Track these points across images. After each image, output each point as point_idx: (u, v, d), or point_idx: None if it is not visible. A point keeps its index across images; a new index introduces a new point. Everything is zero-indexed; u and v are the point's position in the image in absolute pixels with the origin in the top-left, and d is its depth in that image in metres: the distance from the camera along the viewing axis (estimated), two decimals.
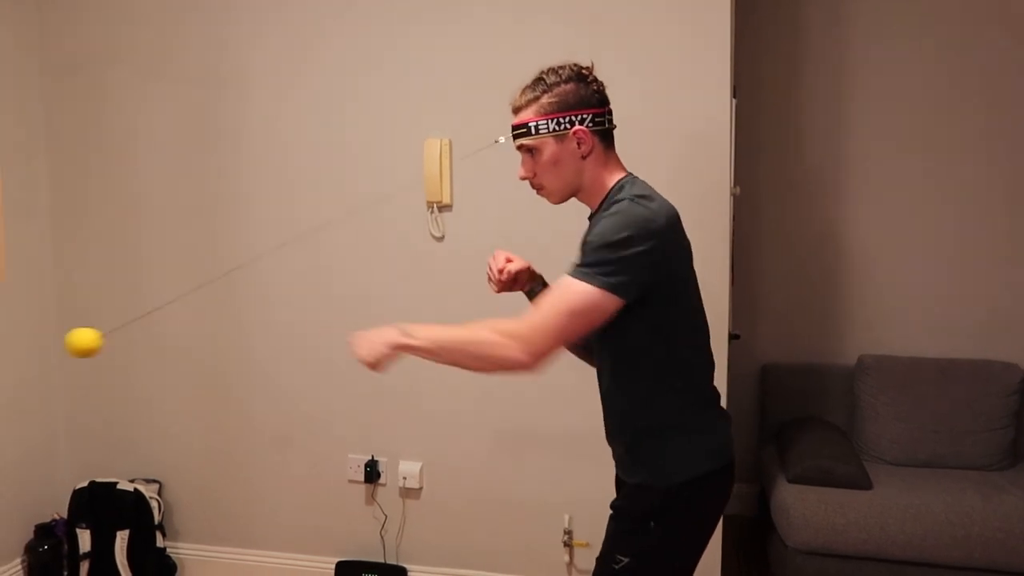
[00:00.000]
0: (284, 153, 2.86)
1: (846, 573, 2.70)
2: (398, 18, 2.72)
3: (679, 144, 2.53)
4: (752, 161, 3.46)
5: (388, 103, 2.76)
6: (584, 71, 1.65)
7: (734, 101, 2.60)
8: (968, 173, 3.27)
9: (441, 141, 2.68)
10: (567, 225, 2.54)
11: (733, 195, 2.65)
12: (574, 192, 1.70)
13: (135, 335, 3.05)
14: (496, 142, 1.76)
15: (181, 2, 2.90)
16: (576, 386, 2.71)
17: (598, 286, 1.51)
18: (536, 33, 2.61)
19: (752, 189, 3.45)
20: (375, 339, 1.65)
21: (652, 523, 1.65)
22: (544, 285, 1.88)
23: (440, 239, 2.76)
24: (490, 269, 1.88)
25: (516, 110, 1.68)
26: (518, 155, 2.62)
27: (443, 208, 2.74)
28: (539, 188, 1.72)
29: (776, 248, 3.51)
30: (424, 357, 1.64)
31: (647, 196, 1.59)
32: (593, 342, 1.74)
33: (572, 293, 1.53)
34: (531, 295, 1.89)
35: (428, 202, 2.74)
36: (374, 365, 1.68)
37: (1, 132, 2.87)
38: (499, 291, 1.90)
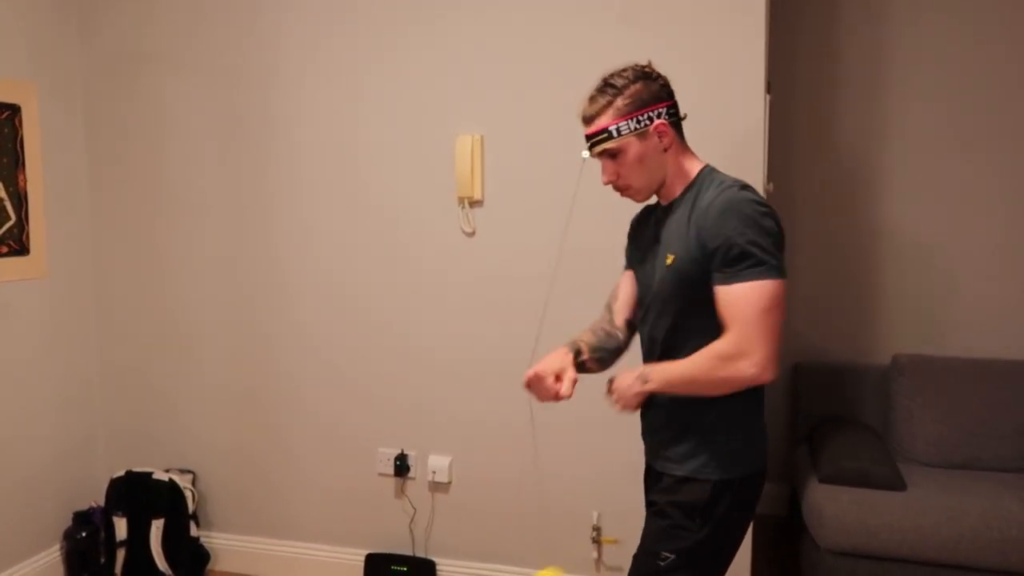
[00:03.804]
0: (317, 149, 2.89)
1: (878, 575, 2.66)
2: (430, 15, 2.73)
3: (713, 142, 2.49)
4: (786, 158, 3.42)
5: (420, 99, 2.77)
6: (647, 69, 1.68)
7: (768, 97, 2.57)
8: (1009, 168, 3.20)
9: (473, 137, 2.69)
10: (597, 220, 2.55)
11: (767, 192, 2.62)
12: (660, 186, 1.73)
13: (169, 330, 3.10)
14: (583, 159, 1.77)
15: (218, 1, 2.94)
16: (606, 383, 2.70)
17: (781, 277, 1.55)
18: (566, 31, 2.61)
19: (786, 186, 3.41)
20: (623, 391, 1.71)
21: (699, 519, 1.65)
22: (580, 352, 1.82)
23: (471, 235, 2.76)
24: (547, 392, 1.77)
25: (589, 119, 1.69)
26: (550, 151, 2.62)
27: (474, 204, 2.75)
28: (624, 189, 1.73)
29: (809, 246, 3.47)
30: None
31: (739, 182, 1.64)
32: (657, 332, 1.73)
33: (762, 293, 1.53)
34: (580, 367, 1.81)
35: (459, 198, 2.74)
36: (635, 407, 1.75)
37: (43, 130, 2.93)
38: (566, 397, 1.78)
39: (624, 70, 1.68)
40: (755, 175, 2.49)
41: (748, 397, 1.66)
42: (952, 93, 3.24)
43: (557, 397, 1.75)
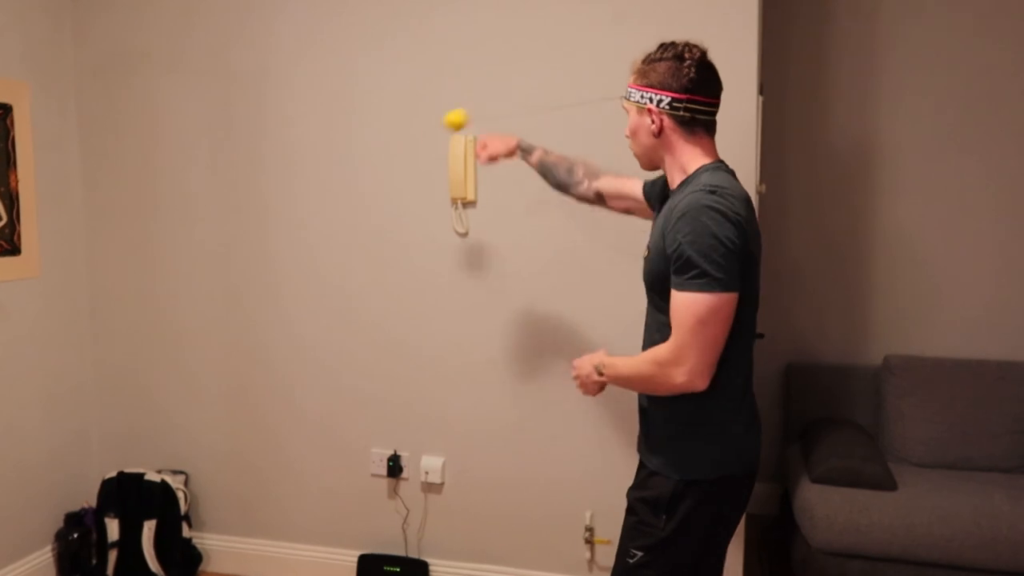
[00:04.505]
0: (310, 149, 2.89)
1: (870, 575, 2.67)
2: (423, 14, 2.73)
3: None
4: (778, 159, 3.43)
5: (413, 99, 2.77)
6: (687, 54, 1.66)
7: (761, 98, 2.58)
8: (1001, 169, 3.22)
9: (466, 138, 2.69)
10: (590, 221, 2.56)
11: (759, 193, 2.63)
12: (655, 165, 1.78)
13: (162, 330, 3.10)
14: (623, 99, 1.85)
15: (211, 1, 2.94)
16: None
17: (719, 289, 1.54)
18: (558, 31, 2.61)
19: (778, 187, 3.42)
20: (584, 379, 1.83)
21: (664, 515, 1.65)
22: (531, 151, 2.28)
23: (464, 235, 2.77)
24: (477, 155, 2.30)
25: (631, 73, 1.77)
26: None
27: (467, 205, 2.75)
28: (632, 150, 1.82)
29: (801, 247, 3.48)
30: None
31: (719, 188, 1.60)
32: (646, 318, 1.80)
33: (693, 306, 1.56)
34: (525, 154, 2.30)
35: (452, 199, 2.75)
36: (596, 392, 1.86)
37: (35, 129, 2.92)
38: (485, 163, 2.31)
39: (673, 44, 1.68)
40: (747, 176, 2.50)
41: (723, 398, 1.65)
42: (944, 95, 3.26)
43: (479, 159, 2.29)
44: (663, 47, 1.69)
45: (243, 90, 2.93)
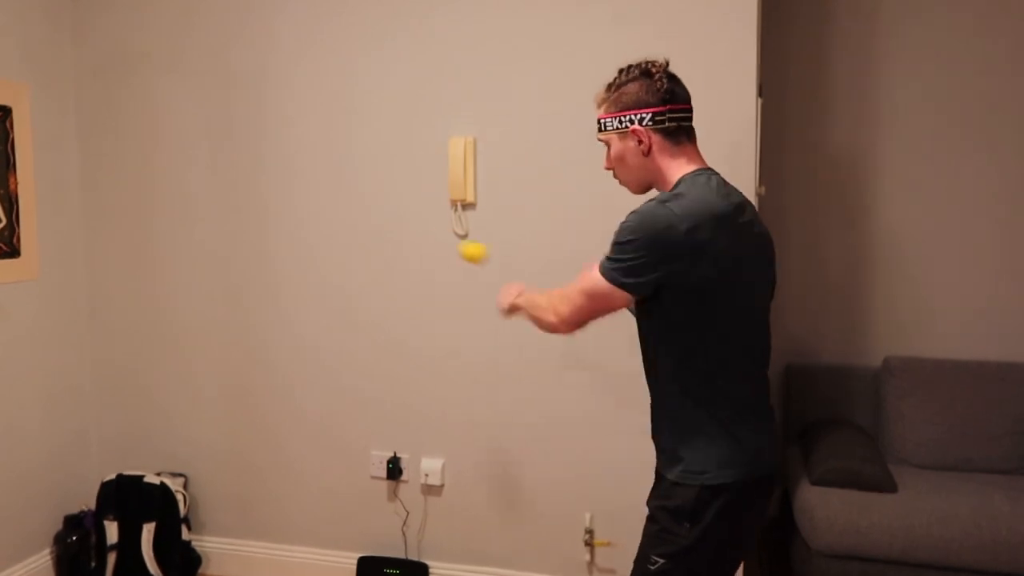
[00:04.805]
0: (309, 150, 2.89)
1: None
2: (422, 16, 2.73)
3: (705, 145, 2.47)
4: (778, 161, 3.43)
5: (413, 100, 2.77)
6: (653, 68, 1.68)
7: (760, 100, 2.58)
8: (1001, 169, 3.22)
9: (465, 139, 2.69)
10: (589, 223, 2.55)
11: (758, 195, 2.63)
12: (647, 186, 1.77)
13: (161, 332, 3.09)
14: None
15: (211, 2, 2.93)
16: (598, 386, 2.71)
17: (608, 280, 1.62)
18: (558, 32, 2.61)
19: (778, 189, 3.42)
20: (503, 298, 1.94)
21: (687, 523, 1.65)
22: None
23: (464, 237, 2.76)
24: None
25: (597, 106, 1.76)
26: (543, 154, 2.66)
27: (467, 206, 2.75)
28: (618, 179, 1.80)
29: (801, 248, 3.48)
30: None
31: (677, 196, 1.60)
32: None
33: (591, 279, 1.66)
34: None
35: (452, 200, 2.74)
36: (505, 312, 1.95)
37: (35, 131, 2.92)
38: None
39: (633, 66, 1.70)
40: (747, 178, 2.50)
41: (735, 401, 1.65)
42: (944, 95, 3.26)
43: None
44: (624, 71, 1.71)
45: (243, 90, 2.93)
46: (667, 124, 1.67)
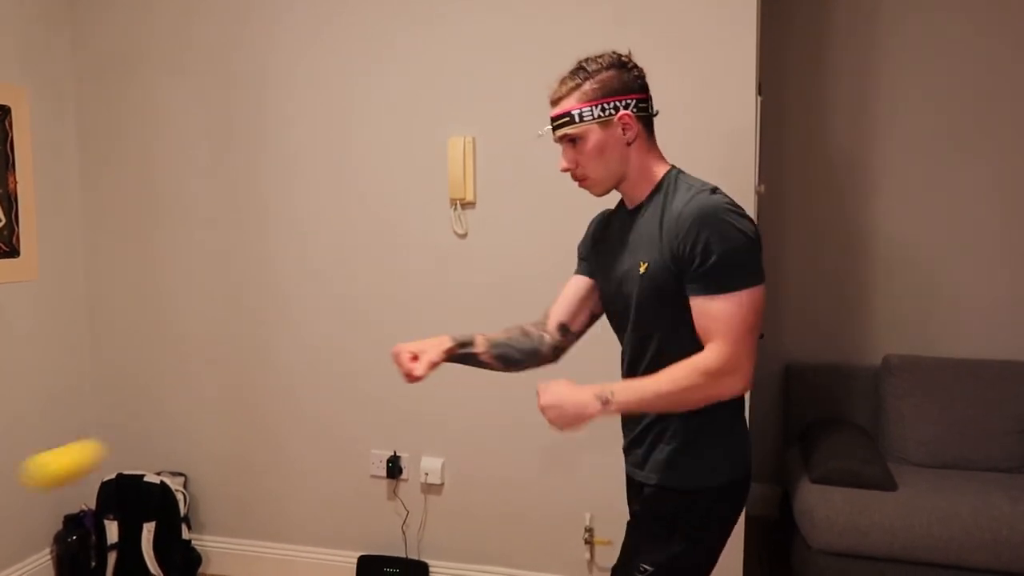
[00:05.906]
0: (309, 151, 2.89)
1: (870, 575, 2.67)
2: (422, 16, 2.73)
3: (705, 143, 2.52)
4: (777, 159, 3.43)
5: (412, 100, 2.77)
6: (624, 58, 1.62)
7: (759, 99, 2.58)
8: (1000, 169, 3.22)
9: (465, 139, 2.69)
10: (589, 222, 2.55)
11: (758, 193, 2.63)
12: (619, 182, 1.66)
13: (161, 332, 3.09)
14: (539, 135, 1.74)
15: (211, 3, 2.93)
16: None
17: (758, 284, 1.52)
18: (558, 32, 2.61)
19: (777, 187, 3.42)
20: (571, 411, 1.56)
21: (677, 531, 1.62)
22: (470, 343, 1.79)
23: (463, 236, 2.76)
24: (401, 368, 1.75)
25: (556, 100, 1.63)
26: (543, 153, 2.63)
27: (466, 205, 2.75)
28: (582, 179, 1.67)
29: (801, 247, 3.48)
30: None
31: (713, 187, 1.58)
32: (641, 345, 1.67)
33: (742, 307, 1.49)
34: (464, 357, 1.80)
35: (451, 199, 2.75)
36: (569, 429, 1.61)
37: (34, 132, 2.92)
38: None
39: (600, 56, 1.62)
40: (746, 176, 2.50)
41: (732, 403, 1.62)
42: (943, 95, 3.26)
43: (409, 376, 1.70)
44: (590, 61, 1.61)
45: (243, 92, 2.93)
46: (649, 112, 1.64)
